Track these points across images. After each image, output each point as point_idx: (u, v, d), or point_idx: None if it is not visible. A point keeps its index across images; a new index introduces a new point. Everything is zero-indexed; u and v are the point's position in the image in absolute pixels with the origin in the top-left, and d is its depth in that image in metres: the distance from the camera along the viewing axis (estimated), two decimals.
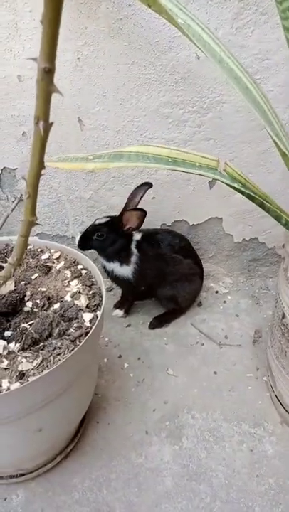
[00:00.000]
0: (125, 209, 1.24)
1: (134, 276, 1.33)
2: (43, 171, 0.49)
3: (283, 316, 0.99)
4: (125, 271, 1.32)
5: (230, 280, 1.64)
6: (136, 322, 1.46)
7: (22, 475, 0.96)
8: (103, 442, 1.07)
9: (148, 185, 1.24)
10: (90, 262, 1.02)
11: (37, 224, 0.57)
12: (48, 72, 0.36)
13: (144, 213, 1.19)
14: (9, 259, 0.66)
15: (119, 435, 1.09)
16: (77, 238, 1.25)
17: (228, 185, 0.83)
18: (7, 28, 1.15)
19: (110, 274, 1.35)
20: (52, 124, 0.45)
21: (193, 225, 1.51)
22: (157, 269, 1.35)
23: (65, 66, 1.20)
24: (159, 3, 0.84)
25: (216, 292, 1.59)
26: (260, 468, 1.01)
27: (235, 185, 0.83)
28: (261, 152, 1.31)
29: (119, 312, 1.48)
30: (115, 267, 1.31)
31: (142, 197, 1.24)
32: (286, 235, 0.98)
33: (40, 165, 0.47)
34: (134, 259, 1.31)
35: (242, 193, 0.84)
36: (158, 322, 1.43)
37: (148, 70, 1.20)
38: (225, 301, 1.55)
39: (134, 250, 1.32)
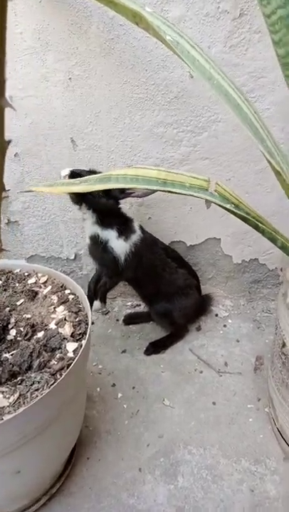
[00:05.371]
0: None
1: (127, 258, 1.16)
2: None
3: (283, 345, 0.92)
4: (121, 247, 1.15)
5: (231, 303, 1.58)
6: (132, 348, 1.39)
7: None
8: (92, 480, 0.99)
9: None
10: (77, 286, 0.97)
11: (4, 250, 0.53)
12: None
13: None
14: None
15: (109, 473, 1.01)
16: (64, 173, 1.08)
17: (219, 205, 0.79)
18: None
19: (100, 246, 1.15)
20: (10, 141, 0.41)
21: (190, 245, 1.46)
22: (153, 262, 1.25)
23: (57, 87, 1.19)
24: (146, 20, 0.81)
25: (216, 315, 1.53)
26: None
27: (227, 206, 0.79)
28: (259, 171, 1.27)
29: (97, 303, 1.29)
30: (111, 237, 1.14)
31: None
32: (284, 259, 0.93)
33: None
34: (135, 238, 1.17)
35: (234, 214, 0.80)
36: (154, 348, 1.36)
37: (141, 89, 1.18)
38: (225, 325, 1.48)
39: (137, 229, 1.18)
